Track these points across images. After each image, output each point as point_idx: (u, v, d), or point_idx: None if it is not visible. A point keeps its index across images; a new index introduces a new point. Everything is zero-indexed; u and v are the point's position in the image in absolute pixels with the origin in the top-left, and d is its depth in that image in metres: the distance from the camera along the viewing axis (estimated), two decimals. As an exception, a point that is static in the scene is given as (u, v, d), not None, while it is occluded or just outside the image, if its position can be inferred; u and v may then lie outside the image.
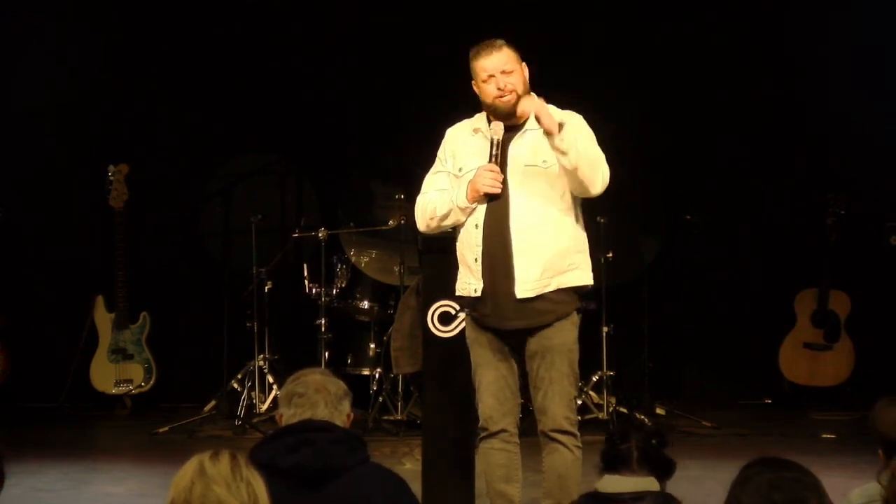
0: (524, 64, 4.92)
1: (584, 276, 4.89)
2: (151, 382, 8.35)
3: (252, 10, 8.52)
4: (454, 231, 4.98)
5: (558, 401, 4.84)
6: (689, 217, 8.25)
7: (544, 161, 4.81)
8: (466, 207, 4.84)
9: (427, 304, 5.40)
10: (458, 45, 8.42)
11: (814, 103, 8.60)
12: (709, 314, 8.73)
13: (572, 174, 4.75)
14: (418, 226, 5.02)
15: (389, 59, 8.49)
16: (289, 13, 8.51)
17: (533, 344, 4.86)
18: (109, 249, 8.22)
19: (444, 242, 5.24)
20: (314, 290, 7.98)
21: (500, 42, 4.89)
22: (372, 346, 8.02)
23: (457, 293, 4.99)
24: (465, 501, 5.39)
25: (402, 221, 7.71)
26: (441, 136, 5.03)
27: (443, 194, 4.91)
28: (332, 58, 8.53)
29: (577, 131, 4.77)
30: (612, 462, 3.37)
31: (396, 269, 7.74)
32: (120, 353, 8.32)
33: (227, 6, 8.54)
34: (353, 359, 8.19)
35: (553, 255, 4.82)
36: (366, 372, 7.99)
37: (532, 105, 4.80)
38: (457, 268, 4.97)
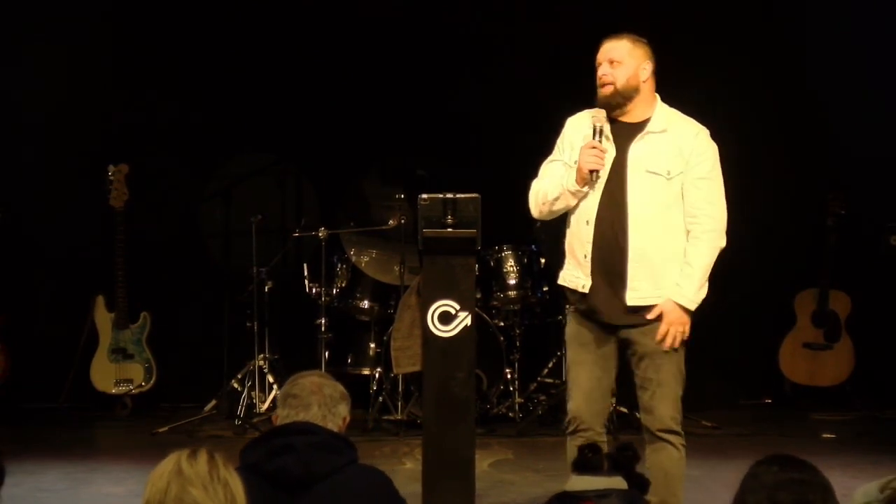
0: (647, 63, 4.84)
1: None
2: (152, 382, 8.33)
3: (252, 10, 8.51)
4: (564, 223, 4.98)
5: (666, 402, 4.90)
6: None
7: (668, 172, 4.80)
8: (577, 191, 4.81)
9: (427, 304, 5.39)
10: (458, 44, 8.49)
11: (814, 103, 8.59)
12: (709, 314, 8.69)
13: None
14: (531, 211, 5.02)
15: (389, 59, 8.49)
16: (288, 13, 8.51)
17: (640, 346, 4.89)
18: (109, 249, 8.20)
19: (446, 243, 5.24)
20: (314, 290, 7.98)
21: (625, 34, 4.85)
22: (372, 345, 8.02)
23: (561, 282, 5.02)
24: (465, 501, 5.39)
25: (402, 221, 7.71)
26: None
27: (554, 180, 4.88)
28: (333, 58, 8.51)
29: (693, 293, 4.89)
30: (583, 469, 3.38)
31: (396, 268, 7.74)
32: (120, 353, 8.31)
33: (227, 6, 8.53)
34: (353, 359, 8.19)
35: (666, 264, 4.85)
36: (366, 372, 7.99)
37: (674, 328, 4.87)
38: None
